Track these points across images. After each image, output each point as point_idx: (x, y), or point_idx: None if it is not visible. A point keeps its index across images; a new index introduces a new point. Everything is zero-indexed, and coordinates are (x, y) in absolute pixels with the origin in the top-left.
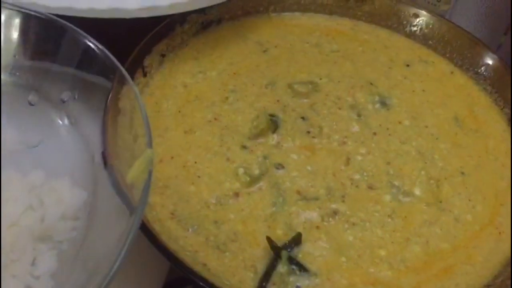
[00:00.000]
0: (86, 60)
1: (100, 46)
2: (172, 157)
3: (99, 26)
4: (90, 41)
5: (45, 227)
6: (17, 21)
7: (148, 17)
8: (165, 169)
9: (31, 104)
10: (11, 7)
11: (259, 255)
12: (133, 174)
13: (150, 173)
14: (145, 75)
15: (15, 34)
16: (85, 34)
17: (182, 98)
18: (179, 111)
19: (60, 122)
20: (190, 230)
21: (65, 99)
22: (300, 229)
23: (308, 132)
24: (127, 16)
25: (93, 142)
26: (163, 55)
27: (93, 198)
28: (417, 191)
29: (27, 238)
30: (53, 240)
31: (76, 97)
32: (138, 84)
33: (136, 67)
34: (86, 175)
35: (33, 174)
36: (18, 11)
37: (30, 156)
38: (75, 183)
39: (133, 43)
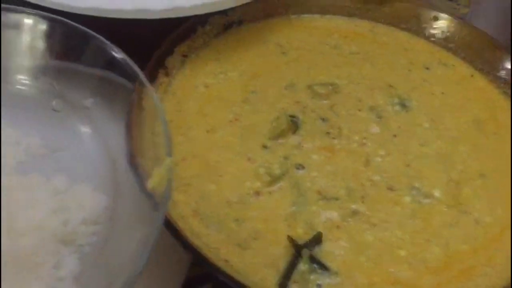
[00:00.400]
0: (109, 67)
1: (122, 54)
2: (194, 156)
3: (124, 27)
4: (112, 49)
5: (68, 231)
6: (42, 27)
7: (171, 18)
8: (188, 167)
9: (54, 110)
10: (35, 12)
11: (281, 253)
12: (154, 181)
13: (169, 182)
14: (167, 75)
15: (40, 40)
16: (107, 41)
17: (203, 98)
18: (201, 111)
19: (83, 128)
20: (212, 227)
21: (88, 106)
22: (320, 229)
23: (328, 133)
24: (152, 17)
25: (115, 147)
26: (184, 56)
27: (114, 203)
28: (437, 193)
29: (51, 241)
30: (76, 243)
31: (99, 103)
32: (161, 84)
33: (158, 67)
34: (108, 180)
35: (57, 179)
36: (43, 17)
37: (53, 160)
38: (96, 188)
39: (157, 44)
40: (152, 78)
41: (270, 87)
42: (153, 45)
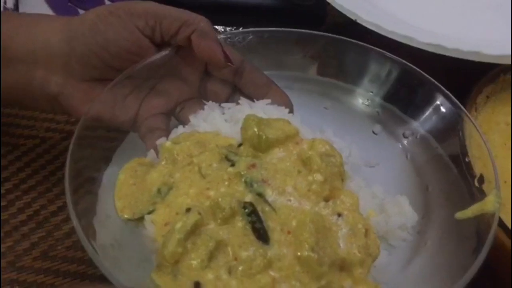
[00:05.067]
0: (434, 110)
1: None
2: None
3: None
4: (444, 95)
5: (387, 229)
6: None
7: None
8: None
9: (374, 133)
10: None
11: None
12: (465, 213)
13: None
14: (476, 110)
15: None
16: (440, 86)
17: (506, 134)
18: (505, 144)
19: (398, 152)
20: None
21: (407, 135)
22: None
23: None
24: (488, 61)
25: (427, 174)
26: (487, 97)
27: (422, 222)
28: None
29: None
30: (388, 243)
31: (418, 136)
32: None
33: (471, 103)
34: (419, 201)
35: (375, 187)
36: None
37: (370, 172)
38: (410, 203)
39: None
40: (468, 111)
41: None
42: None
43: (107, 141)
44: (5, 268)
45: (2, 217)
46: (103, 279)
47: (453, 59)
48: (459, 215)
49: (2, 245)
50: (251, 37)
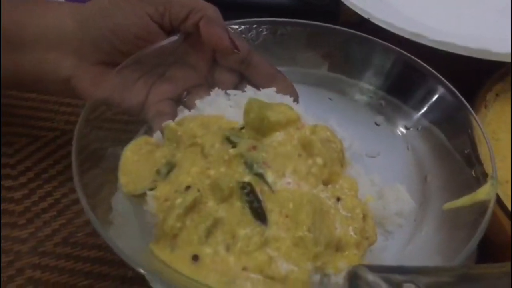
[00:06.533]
0: (436, 103)
1: (454, 92)
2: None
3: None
4: (445, 87)
5: (384, 215)
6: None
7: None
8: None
9: (377, 124)
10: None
11: None
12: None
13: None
14: (486, 107)
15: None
16: (443, 79)
17: None
18: None
19: (399, 143)
20: None
21: (409, 127)
22: None
23: None
24: (496, 59)
25: (427, 165)
26: (497, 95)
27: (419, 211)
28: None
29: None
30: (385, 228)
31: (420, 128)
32: (480, 114)
33: (481, 101)
34: (418, 190)
35: (374, 175)
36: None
37: (370, 162)
38: (408, 191)
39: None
40: (477, 108)
41: None
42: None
43: (115, 123)
44: (28, 253)
45: (25, 205)
46: (121, 264)
47: (462, 61)
48: (447, 205)
49: (25, 231)
50: (265, 33)
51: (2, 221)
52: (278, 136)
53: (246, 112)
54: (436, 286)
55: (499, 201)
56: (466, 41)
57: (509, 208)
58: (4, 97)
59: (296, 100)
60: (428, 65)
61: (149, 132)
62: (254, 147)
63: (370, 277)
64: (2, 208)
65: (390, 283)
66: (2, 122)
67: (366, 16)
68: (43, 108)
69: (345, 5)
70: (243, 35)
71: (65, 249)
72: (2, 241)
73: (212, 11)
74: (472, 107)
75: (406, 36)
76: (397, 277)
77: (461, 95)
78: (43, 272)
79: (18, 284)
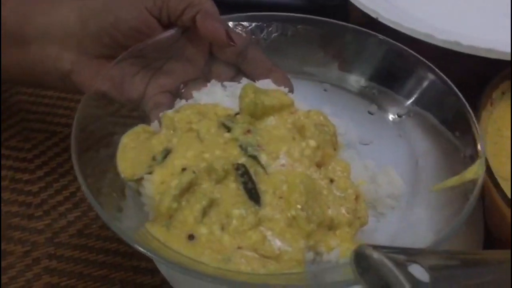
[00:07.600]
0: (426, 89)
1: (449, 84)
2: None
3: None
4: (440, 79)
5: (376, 197)
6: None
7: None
8: None
9: (370, 113)
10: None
11: None
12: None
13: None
14: (491, 105)
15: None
16: (433, 66)
17: None
18: None
19: (392, 130)
20: None
21: (402, 115)
22: None
23: None
24: (501, 58)
25: (419, 151)
26: (503, 93)
27: (410, 193)
28: None
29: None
30: (377, 210)
31: (412, 115)
32: (486, 111)
33: (487, 98)
34: (409, 173)
35: (367, 161)
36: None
37: (364, 149)
38: (400, 175)
39: (476, 77)
40: (483, 105)
41: None
42: (474, 77)
43: (113, 115)
44: (44, 243)
45: (42, 197)
46: (134, 256)
47: (469, 62)
48: (437, 186)
49: (41, 223)
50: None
51: (20, 213)
52: (273, 120)
53: (242, 97)
54: (439, 268)
55: (504, 198)
56: (472, 40)
57: None
58: (22, 94)
59: (291, 91)
60: (436, 66)
61: (147, 122)
62: (249, 131)
63: (376, 255)
64: (20, 200)
65: (395, 263)
66: (21, 119)
67: (374, 16)
68: (59, 105)
69: (353, 5)
70: (239, 28)
71: (80, 240)
72: (19, 232)
73: (209, 5)
74: (478, 104)
75: (415, 36)
76: (402, 257)
77: (469, 94)
78: (59, 262)
79: (35, 273)
